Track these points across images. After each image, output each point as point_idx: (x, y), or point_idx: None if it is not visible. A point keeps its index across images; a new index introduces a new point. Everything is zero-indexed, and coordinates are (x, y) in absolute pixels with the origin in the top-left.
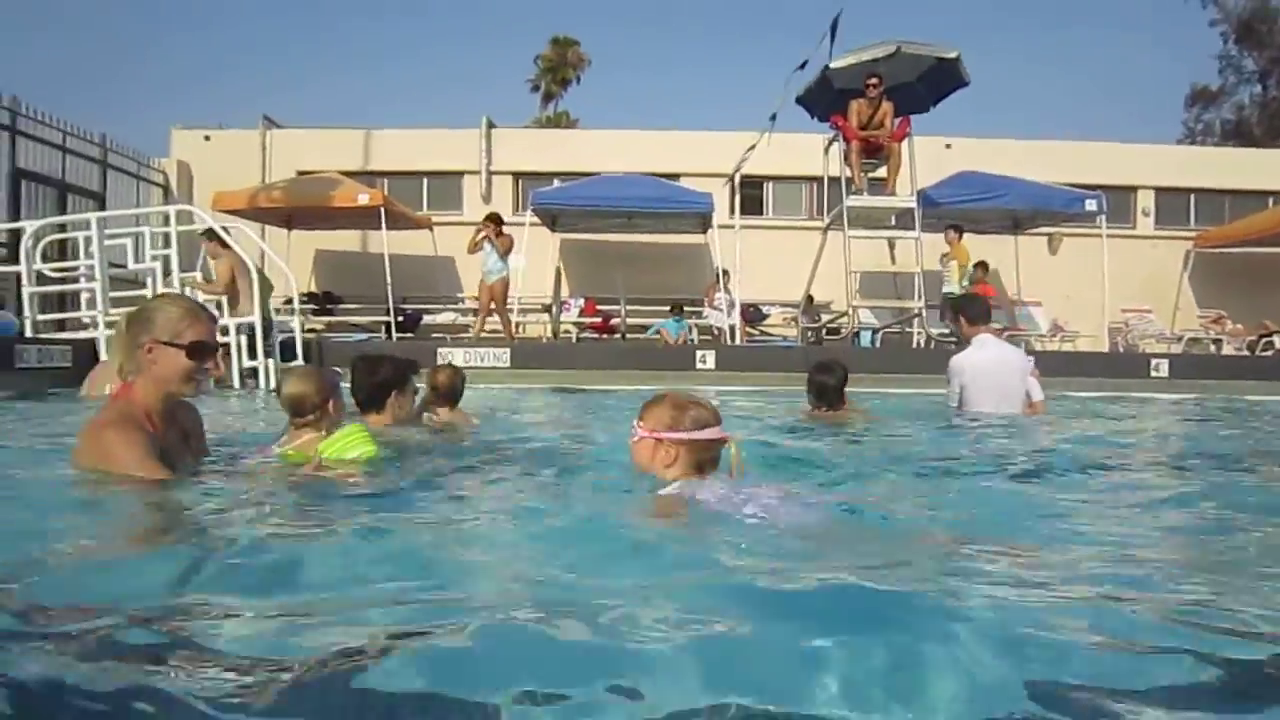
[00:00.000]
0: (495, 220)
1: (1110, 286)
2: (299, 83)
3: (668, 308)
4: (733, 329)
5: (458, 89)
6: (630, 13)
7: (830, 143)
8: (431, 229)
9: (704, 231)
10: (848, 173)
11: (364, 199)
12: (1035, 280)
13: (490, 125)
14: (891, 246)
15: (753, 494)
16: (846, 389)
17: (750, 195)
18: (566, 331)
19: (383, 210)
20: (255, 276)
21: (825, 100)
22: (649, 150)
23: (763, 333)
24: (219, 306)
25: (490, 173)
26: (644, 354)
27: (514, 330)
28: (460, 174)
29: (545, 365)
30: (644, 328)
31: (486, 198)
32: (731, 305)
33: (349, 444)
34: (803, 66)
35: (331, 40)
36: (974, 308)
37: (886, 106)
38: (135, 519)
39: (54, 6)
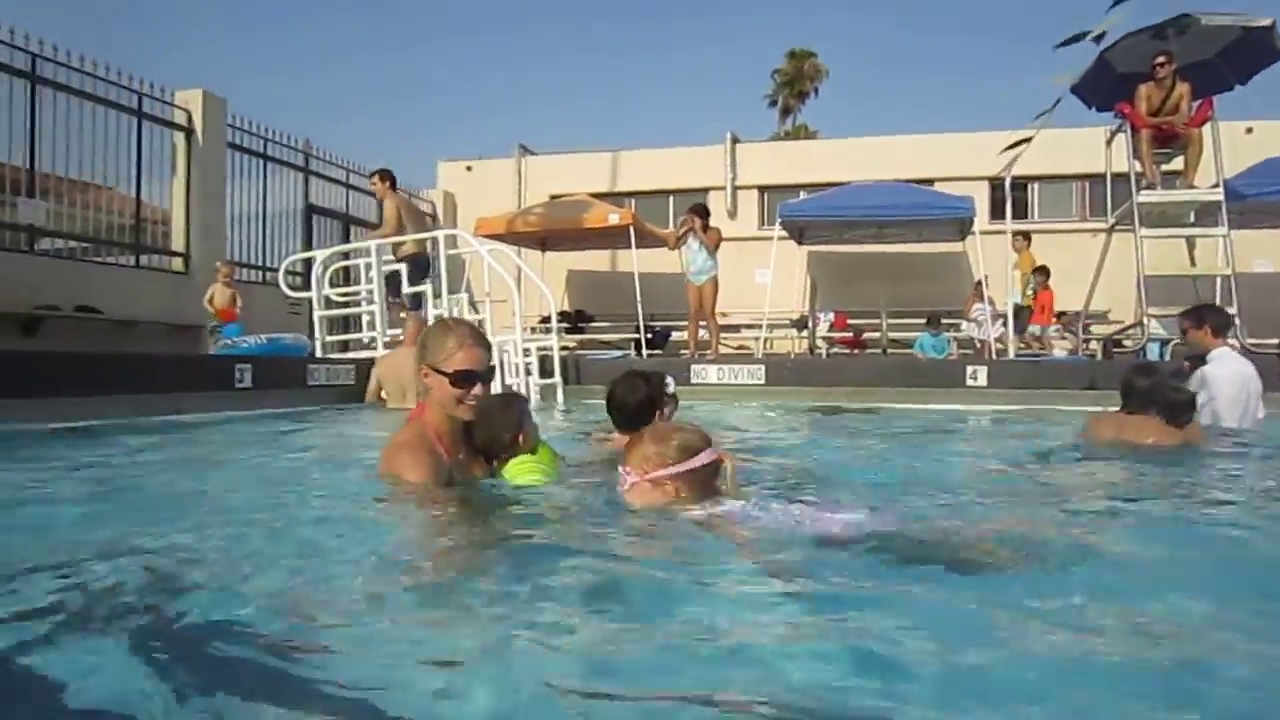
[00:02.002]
0: (700, 213)
1: None
2: (551, 113)
3: (923, 320)
4: (993, 343)
5: (696, 114)
6: (869, 18)
7: (1114, 134)
8: (671, 248)
9: (962, 239)
10: (1137, 166)
11: (615, 219)
12: None
13: (734, 140)
14: (1191, 247)
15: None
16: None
17: (1014, 198)
18: (816, 347)
19: (632, 229)
20: (424, 219)
21: (1105, 87)
22: (899, 156)
23: (1027, 346)
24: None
25: (735, 187)
26: (909, 369)
27: (719, 341)
28: (705, 190)
29: (802, 382)
30: (901, 342)
31: (732, 213)
32: (996, 316)
33: (516, 470)
34: (1078, 39)
35: (580, 70)
36: (1219, 318)
37: (1182, 88)
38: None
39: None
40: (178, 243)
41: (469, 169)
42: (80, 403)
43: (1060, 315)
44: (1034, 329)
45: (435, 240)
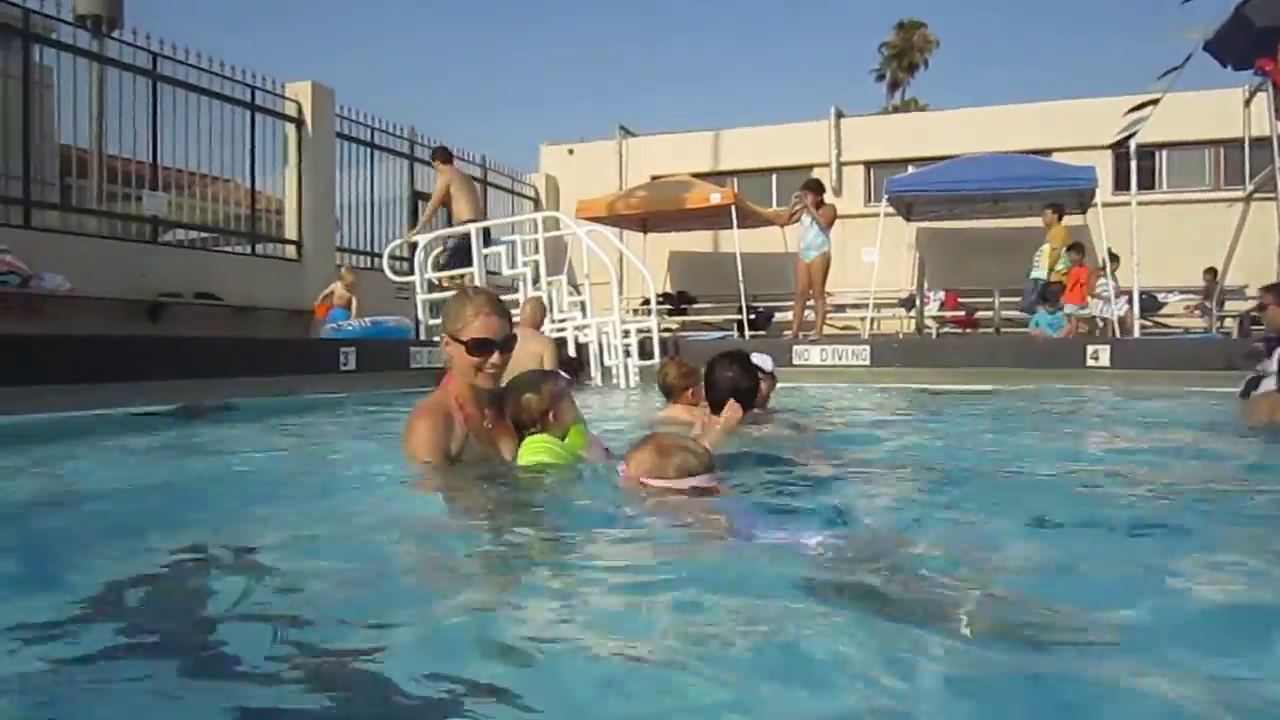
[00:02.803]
0: (814, 188)
1: None
2: (653, 95)
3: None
4: (1122, 320)
5: (801, 88)
6: None
7: (1253, 93)
8: (783, 225)
9: (1083, 211)
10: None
11: (716, 198)
12: None
13: (839, 115)
14: None
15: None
16: None
17: (1140, 167)
18: (926, 327)
19: (734, 209)
20: (476, 191)
21: (1242, 43)
22: (1013, 126)
23: (1157, 324)
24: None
25: (841, 164)
26: (1023, 349)
27: (824, 320)
28: (810, 167)
29: (910, 363)
30: (1016, 321)
31: (838, 189)
32: (1121, 293)
33: (526, 449)
34: None
35: (680, 49)
36: None
37: None
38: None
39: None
40: (290, 230)
41: (570, 152)
42: (197, 385)
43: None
44: (1070, 308)
45: (534, 222)
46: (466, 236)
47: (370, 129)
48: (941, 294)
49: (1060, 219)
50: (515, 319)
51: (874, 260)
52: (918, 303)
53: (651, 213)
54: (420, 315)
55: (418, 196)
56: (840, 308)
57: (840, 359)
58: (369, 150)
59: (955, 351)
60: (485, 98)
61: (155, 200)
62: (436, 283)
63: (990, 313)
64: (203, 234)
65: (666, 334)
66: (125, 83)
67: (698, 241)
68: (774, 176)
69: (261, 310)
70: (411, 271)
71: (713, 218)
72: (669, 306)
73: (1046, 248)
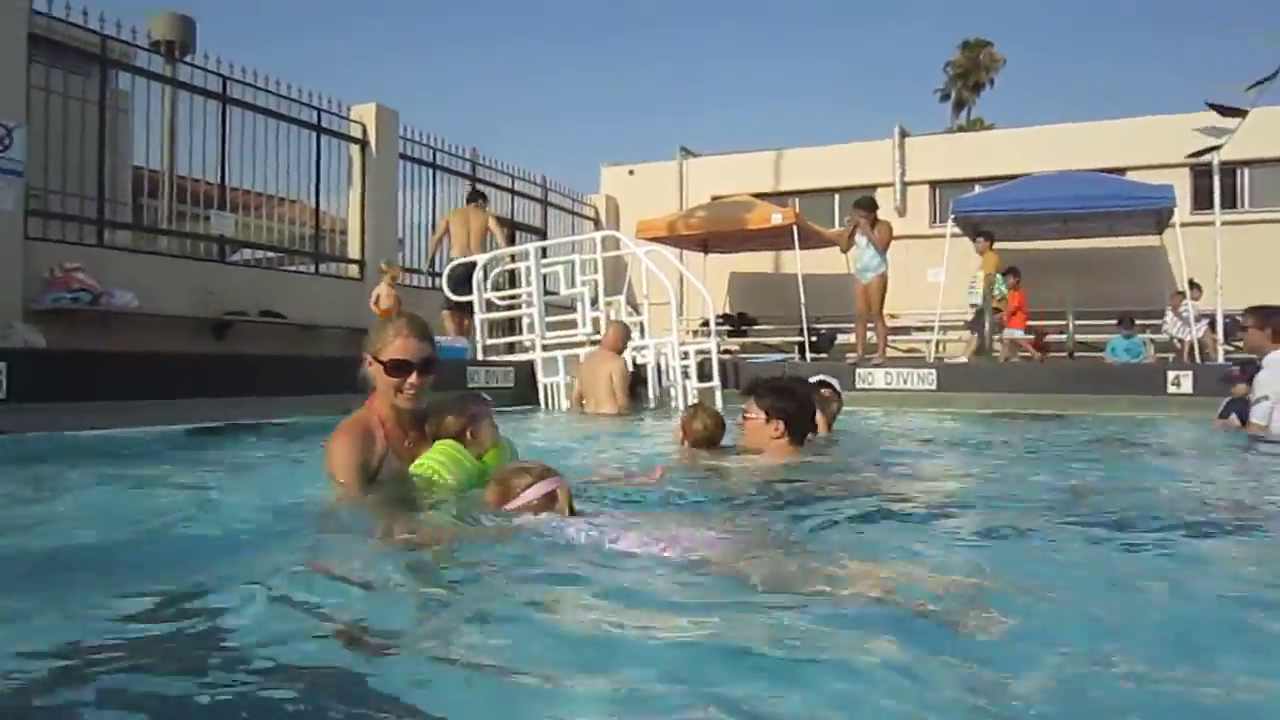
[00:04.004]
0: (866, 207)
1: None
2: (713, 116)
3: (1114, 321)
4: (1200, 343)
5: (862, 110)
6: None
7: None
8: (844, 251)
9: (1159, 231)
10: None
11: (778, 218)
12: None
13: (903, 134)
14: None
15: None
16: None
17: (1222, 185)
18: (994, 351)
19: (795, 229)
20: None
21: None
22: (1085, 144)
23: (1237, 349)
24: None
25: (905, 183)
26: (1099, 375)
27: (886, 343)
28: (873, 187)
29: (980, 388)
30: (1090, 345)
31: (901, 210)
32: (1200, 316)
33: (421, 460)
34: None
35: (740, 72)
36: None
37: None
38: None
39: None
40: (353, 250)
41: (631, 173)
42: (259, 402)
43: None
44: (1014, 333)
45: (593, 242)
46: (467, 265)
47: (432, 149)
48: None
49: (991, 245)
50: (596, 339)
51: (940, 281)
52: (986, 326)
53: (712, 233)
54: (478, 335)
55: None
56: (905, 330)
57: (905, 383)
58: (431, 170)
59: (1026, 376)
60: (546, 119)
61: (223, 220)
62: (495, 303)
63: (1064, 336)
64: (268, 253)
65: (726, 355)
66: (196, 106)
67: (758, 262)
68: (836, 197)
69: (324, 329)
70: (470, 291)
71: (774, 238)
72: (728, 328)
73: (981, 274)
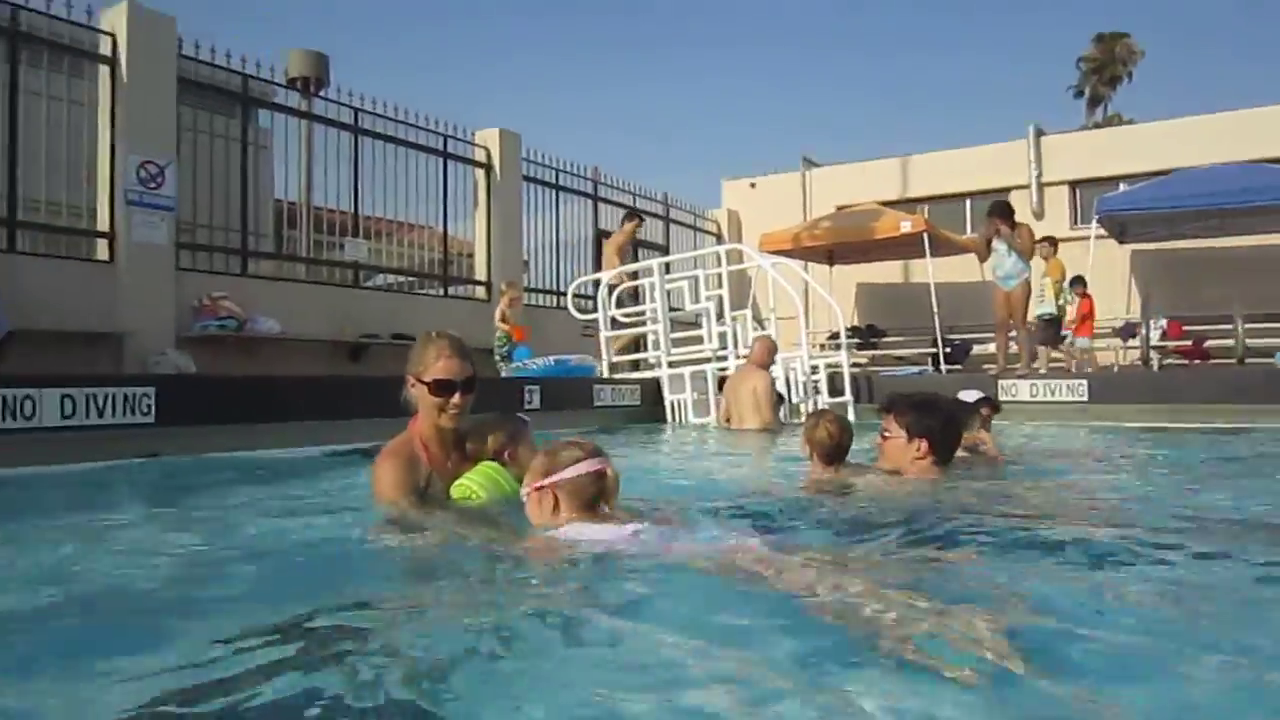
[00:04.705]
0: (1001, 212)
1: None
2: (835, 124)
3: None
4: None
5: (991, 111)
6: None
7: None
8: (982, 261)
9: None
10: None
11: (907, 226)
12: None
13: (1039, 133)
14: None
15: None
16: None
17: None
18: (1149, 359)
19: (926, 236)
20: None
21: None
22: (1242, 134)
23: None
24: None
25: (1041, 184)
26: (1271, 383)
27: (1034, 353)
28: (1007, 190)
29: (1135, 399)
30: (1259, 350)
31: (1039, 213)
32: None
33: (459, 484)
34: None
35: (862, 78)
36: None
37: None
38: None
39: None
40: (480, 272)
41: (753, 185)
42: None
43: None
44: (1083, 342)
45: (717, 256)
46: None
47: (555, 170)
48: (1163, 322)
49: (1056, 252)
50: (746, 360)
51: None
52: (1138, 332)
53: (838, 243)
54: (603, 353)
55: (601, 236)
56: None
57: (1053, 394)
58: (554, 192)
59: (1188, 385)
60: (667, 136)
61: (357, 247)
62: (621, 320)
63: (1231, 341)
64: (399, 277)
65: (856, 369)
66: (330, 138)
67: (885, 272)
68: (967, 201)
69: None
70: (595, 309)
71: (903, 247)
72: (857, 340)
73: (1048, 281)
